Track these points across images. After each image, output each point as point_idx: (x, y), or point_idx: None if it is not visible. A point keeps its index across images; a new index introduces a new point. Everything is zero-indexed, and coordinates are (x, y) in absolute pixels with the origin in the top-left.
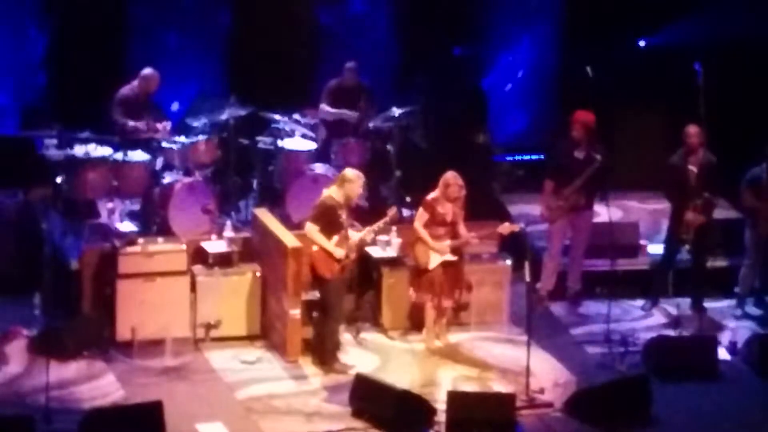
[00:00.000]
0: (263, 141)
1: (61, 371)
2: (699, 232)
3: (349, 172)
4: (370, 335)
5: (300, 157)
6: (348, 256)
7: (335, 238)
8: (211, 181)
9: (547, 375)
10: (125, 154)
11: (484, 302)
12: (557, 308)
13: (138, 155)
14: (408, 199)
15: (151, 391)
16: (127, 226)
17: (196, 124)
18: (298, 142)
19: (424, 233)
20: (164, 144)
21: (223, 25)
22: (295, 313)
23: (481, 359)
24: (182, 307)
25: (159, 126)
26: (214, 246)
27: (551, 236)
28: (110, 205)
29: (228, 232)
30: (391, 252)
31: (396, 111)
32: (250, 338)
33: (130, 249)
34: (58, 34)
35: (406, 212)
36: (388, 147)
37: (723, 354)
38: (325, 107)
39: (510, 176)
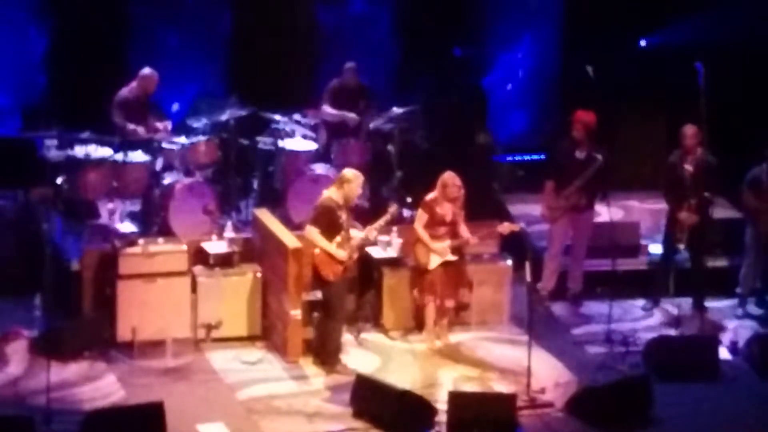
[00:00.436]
0: (264, 141)
1: (61, 372)
2: (693, 232)
3: (348, 172)
4: (370, 336)
5: (300, 157)
6: (350, 257)
7: (337, 239)
8: (211, 182)
9: (548, 375)
10: (126, 155)
11: (485, 302)
12: (558, 308)
13: (138, 156)
14: (409, 199)
15: (152, 391)
16: (128, 227)
17: (196, 124)
18: (299, 143)
19: (424, 234)
20: (164, 145)
21: (223, 25)
22: (296, 313)
23: (482, 359)
24: (183, 308)
25: (159, 126)
26: (215, 246)
27: (552, 236)
28: (111, 205)
29: (228, 233)
30: (392, 252)
31: (396, 111)
32: (250, 339)
33: (130, 250)
34: (58, 35)
35: (406, 213)
36: (389, 147)
37: (724, 354)
38: (325, 108)
39: (510, 176)
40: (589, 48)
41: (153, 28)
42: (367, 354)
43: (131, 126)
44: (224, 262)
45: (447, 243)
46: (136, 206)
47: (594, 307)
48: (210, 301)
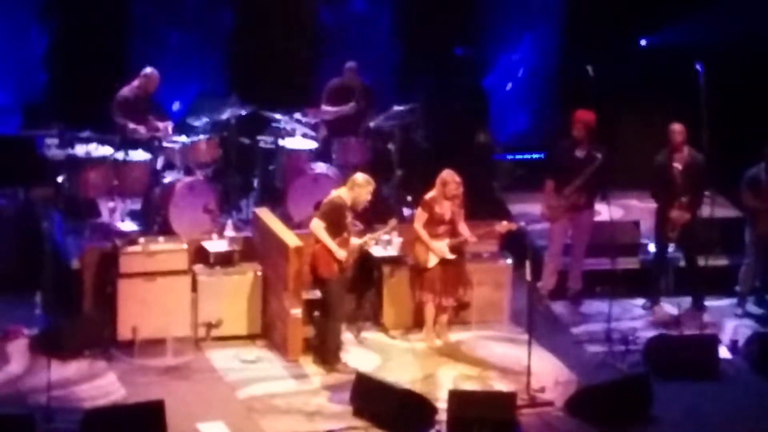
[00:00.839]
0: (264, 140)
1: (62, 370)
2: (685, 230)
3: (360, 178)
4: (370, 334)
5: (301, 156)
6: (347, 260)
7: (337, 239)
8: (212, 181)
9: (548, 374)
10: (126, 154)
11: (485, 301)
12: (558, 307)
13: (139, 154)
14: (409, 198)
15: (152, 390)
16: (128, 226)
17: (197, 123)
18: (299, 142)
19: (423, 233)
20: (165, 143)
21: (224, 24)
22: (296, 312)
23: (482, 358)
24: (183, 307)
25: (160, 126)
26: (215, 245)
27: (552, 235)
28: (111, 204)
29: (229, 232)
30: (392, 251)
31: (397, 110)
32: (251, 338)
33: (131, 248)
34: (59, 34)
35: (406, 211)
36: (389, 146)
37: (724, 353)
38: (325, 107)
39: (511, 175)
40: (589, 48)
41: (154, 26)
42: (367, 352)
43: (132, 125)
44: (225, 260)
45: (446, 242)
46: (136, 205)
47: (594, 306)
48: (210, 300)
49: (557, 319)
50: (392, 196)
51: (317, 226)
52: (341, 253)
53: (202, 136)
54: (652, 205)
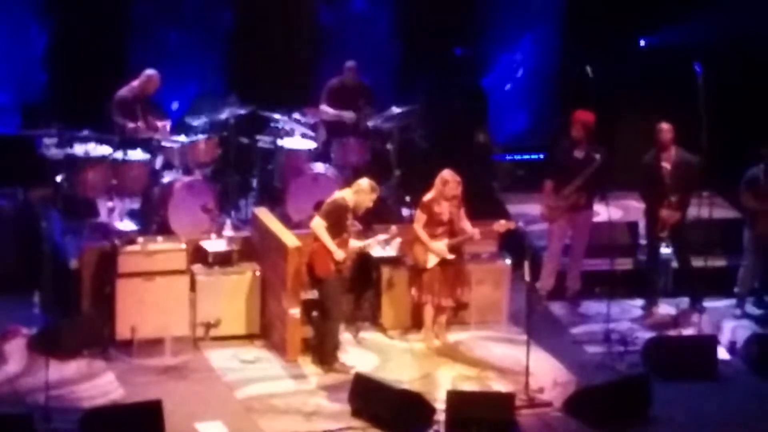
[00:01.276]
0: (263, 140)
1: (60, 370)
2: (675, 229)
3: (365, 184)
4: (369, 334)
5: (300, 156)
6: (344, 261)
7: (337, 240)
8: (210, 180)
9: (547, 374)
10: (125, 153)
11: (484, 301)
12: (557, 308)
13: (138, 154)
14: (408, 198)
15: (151, 390)
16: (127, 225)
17: (196, 123)
18: (298, 141)
19: (423, 234)
20: (164, 143)
21: (223, 24)
22: (295, 312)
23: (481, 358)
24: (182, 306)
25: (158, 125)
26: (214, 245)
27: (551, 236)
28: (110, 204)
29: (228, 231)
30: (391, 251)
31: (396, 110)
32: (249, 337)
33: (129, 248)
34: (58, 33)
35: (405, 212)
36: (388, 146)
37: (722, 354)
38: (324, 107)
39: (510, 176)
40: (588, 48)
41: (153, 26)
42: (365, 353)
43: (130, 124)
44: (223, 260)
45: (445, 242)
46: (135, 204)
47: (592, 307)
48: (209, 300)
49: (556, 320)
50: (391, 197)
51: (318, 225)
52: (340, 254)
53: (201, 136)
54: None
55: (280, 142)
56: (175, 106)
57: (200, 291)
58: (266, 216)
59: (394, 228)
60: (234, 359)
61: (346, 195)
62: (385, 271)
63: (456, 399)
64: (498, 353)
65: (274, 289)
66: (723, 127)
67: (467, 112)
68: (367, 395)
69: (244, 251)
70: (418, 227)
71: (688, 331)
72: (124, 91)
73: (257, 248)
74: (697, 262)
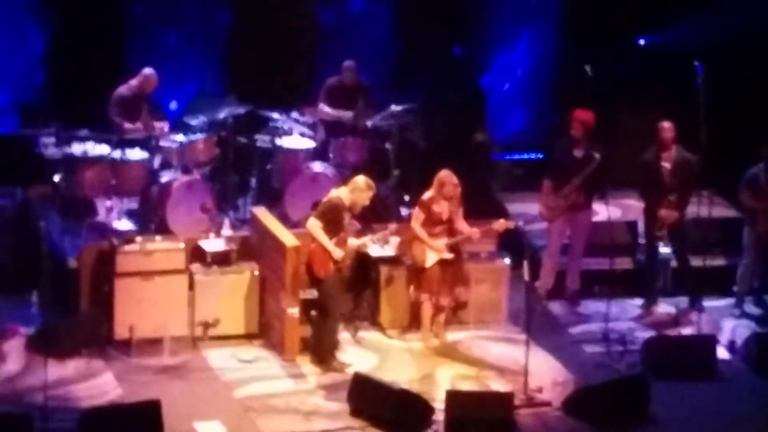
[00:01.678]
0: (262, 139)
1: (59, 369)
2: (673, 229)
3: (361, 181)
4: (368, 334)
5: (298, 155)
6: (343, 260)
7: (334, 239)
8: (209, 180)
9: (546, 374)
10: (123, 153)
11: (483, 301)
12: (556, 307)
13: (136, 154)
14: (407, 197)
15: (149, 389)
16: (125, 225)
17: (194, 122)
18: (297, 141)
19: (422, 233)
20: (162, 142)
21: (222, 23)
22: (293, 311)
23: (480, 358)
24: (180, 306)
25: (156, 125)
26: (213, 244)
27: (550, 235)
28: (108, 203)
29: (226, 231)
30: (390, 250)
31: (395, 109)
32: (248, 337)
33: (128, 247)
34: (57, 33)
35: (404, 211)
36: (387, 146)
37: (722, 353)
38: (323, 106)
39: (509, 175)
40: (587, 47)
41: (151, 26)
42: (364, 352)
43: (129, 124)
44: (222, 260)
45: (444, 241)
46: (133, 204)
47: (591, 306)
48: (207, 299)
49: (555, 319)
50: (390, 196)
51: (314, 225)
52: (338, 253)
53: (199, 135)
54: None
55: (278, 141)
56: (173, 105)
57: (199, 290)
58: (265, 215)
59: (393, 225)
60: (232, 359)
61: (341, 194)
62: (384, 271)
63: (455, 398)
64: (497, 353)
65: (272, 288)
66: (723, 126)
67: (466, 111)
68: (366, 395)
69: (242, 251)
70: (416, 225)
71: (687, 331)
72: (122, 90)
73: (256, 248)
74: (697, 262)
